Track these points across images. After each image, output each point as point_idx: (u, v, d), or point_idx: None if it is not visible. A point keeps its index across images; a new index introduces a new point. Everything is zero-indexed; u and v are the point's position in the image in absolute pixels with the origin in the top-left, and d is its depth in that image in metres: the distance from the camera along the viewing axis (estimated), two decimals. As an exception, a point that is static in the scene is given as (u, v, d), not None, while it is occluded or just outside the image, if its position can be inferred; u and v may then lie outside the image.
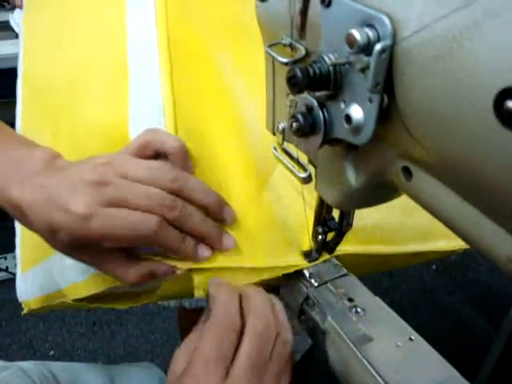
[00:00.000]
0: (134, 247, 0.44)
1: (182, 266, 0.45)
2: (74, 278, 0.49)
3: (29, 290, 0.55)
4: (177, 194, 0.42)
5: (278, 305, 0.44)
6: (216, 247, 0.45)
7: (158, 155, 0.46)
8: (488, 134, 0.19)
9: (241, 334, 0.39)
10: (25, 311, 0.57)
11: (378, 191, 0.32)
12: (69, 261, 0.48)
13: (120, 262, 0.43)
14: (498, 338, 0.99)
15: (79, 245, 0.40)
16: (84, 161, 0.43)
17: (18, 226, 0.57)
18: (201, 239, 0.44)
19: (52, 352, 1.39)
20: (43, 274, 0.53)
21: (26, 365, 0.64)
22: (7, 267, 1.63)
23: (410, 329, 0.40)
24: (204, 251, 0.44)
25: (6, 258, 1.70)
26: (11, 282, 1.50)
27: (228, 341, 0.38)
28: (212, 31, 0.54)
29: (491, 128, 0.19)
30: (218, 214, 0.45)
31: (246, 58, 0.51)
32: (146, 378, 0.76)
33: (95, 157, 0.43)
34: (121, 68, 0.51)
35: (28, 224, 0.41)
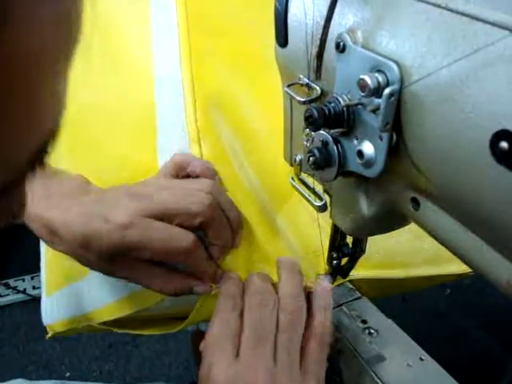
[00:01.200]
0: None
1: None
2: (104, 301, 0.50)
3: (54, 314, 0.56)
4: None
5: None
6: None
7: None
8: (485, 169, 0.21)
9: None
10: (49, 335, 0.58)
11: (389, 219, 0.34)
12: (98, 284, 0.49)
13: (160, 275, 0.44)
14: (512, 362, 0.99)
15: (115, 258, 0.41)
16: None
17: (43, 250, 0.58)
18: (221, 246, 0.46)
19: (68, 374, 1.40)
20: (70, 298, 0.54)
21: (49, 384, 0.66)
22: (25, 289, 1.65)
23: (420, 349, 0.42)
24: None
25: (23, 280, 1.72)
26: (28, 303, 1.50)
27: (231, 320, 0.40)
28: (232, 68, 0.56)
29: (487, 165, 0.21)
30: (235, 230, 0.47)
31: (265, 93, 0.53)
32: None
33: None
34: (148, 106, 0.54)
35: (58, 243, 0.42)
